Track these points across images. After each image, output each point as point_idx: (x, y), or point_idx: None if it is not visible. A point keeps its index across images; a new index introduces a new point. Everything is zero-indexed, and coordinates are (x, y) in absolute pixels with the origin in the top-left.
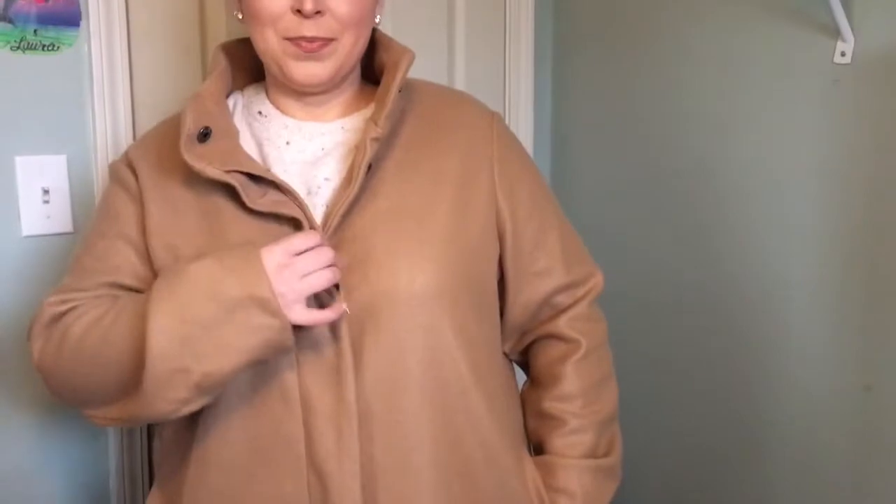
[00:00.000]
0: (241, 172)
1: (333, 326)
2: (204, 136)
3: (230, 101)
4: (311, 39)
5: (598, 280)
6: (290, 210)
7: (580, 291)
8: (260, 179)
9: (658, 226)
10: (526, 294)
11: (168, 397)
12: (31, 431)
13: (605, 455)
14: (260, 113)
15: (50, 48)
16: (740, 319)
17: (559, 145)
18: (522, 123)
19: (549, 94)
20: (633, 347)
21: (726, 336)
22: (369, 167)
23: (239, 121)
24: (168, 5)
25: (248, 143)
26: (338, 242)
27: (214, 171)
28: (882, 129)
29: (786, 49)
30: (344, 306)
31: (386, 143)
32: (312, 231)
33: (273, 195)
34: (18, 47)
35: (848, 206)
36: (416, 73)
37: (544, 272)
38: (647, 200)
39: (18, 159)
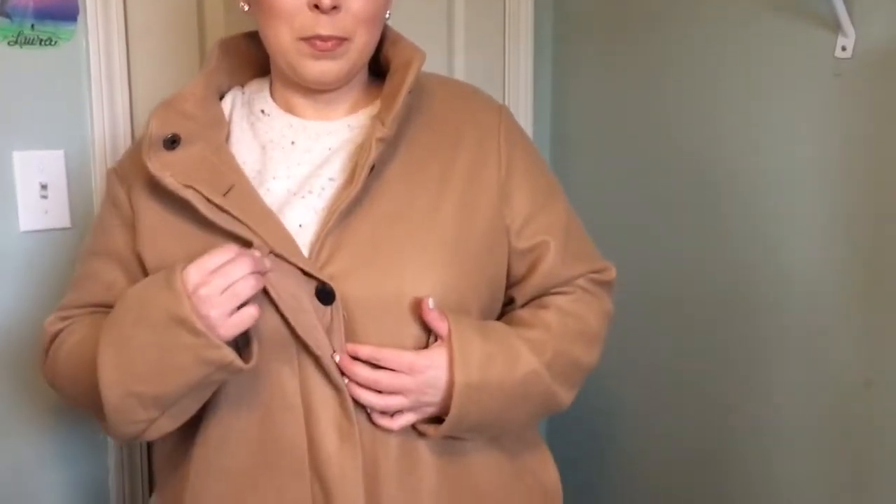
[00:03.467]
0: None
1: (329, 332)
2: (172, 142)
3: (227, 100)
4: (326, 38)
5: (608, 272)
6: (242, 231)
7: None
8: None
9: (658, 222)
10: (526, 291)
11: (129, 419)
12: (30, 427)
13: (552, 377)
14: (262, 111)
15: (47, 43)
16: (740, 314)
17: (558, 142)
18: (521, 121)
19: (548, 93)
20: (634, 342)
21: (727, 331)
22: (373, 168)
23: (238, 120)
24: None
25: (249, 145)
26: (337, 244)
27: (171, 182)
28: (883, 123)
29: (787, 43)
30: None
31: (392, 144)
32: (229, 245)
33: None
34: (16, 42)
35: (849, 200)
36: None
37: (548, 271)
38: (647, 197)
39: (16, 154)
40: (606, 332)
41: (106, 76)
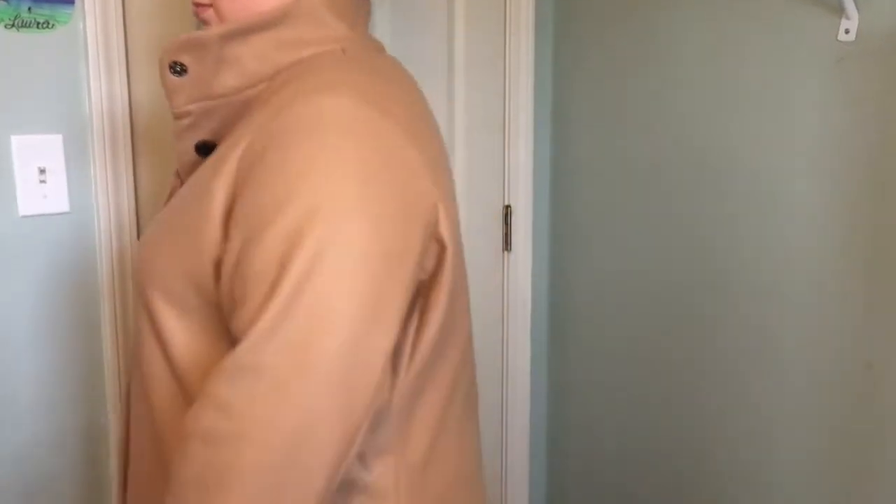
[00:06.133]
0: None
1: None
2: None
3: None
4: (197, 4)
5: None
6: None
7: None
8: None
9: (658, 205)
10: None
11: None
12: (35, 411)
13: None
14: None
15: (44, 26)
16: (741, 299)
17: (559, 122)
18: (522, 113)
19: (549, 68)
20: (631, 321)
21: (728, 315)
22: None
23: None
24: None
25: None
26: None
27: None
28: (886, 107)
29: (789, 26)
30: None
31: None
32: None
33: None
34: (13, 25)
35: (851, 183)
36: (415, 51)
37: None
38: (647, 181)
39: (14, 138)
40: None
41: (104, 59)
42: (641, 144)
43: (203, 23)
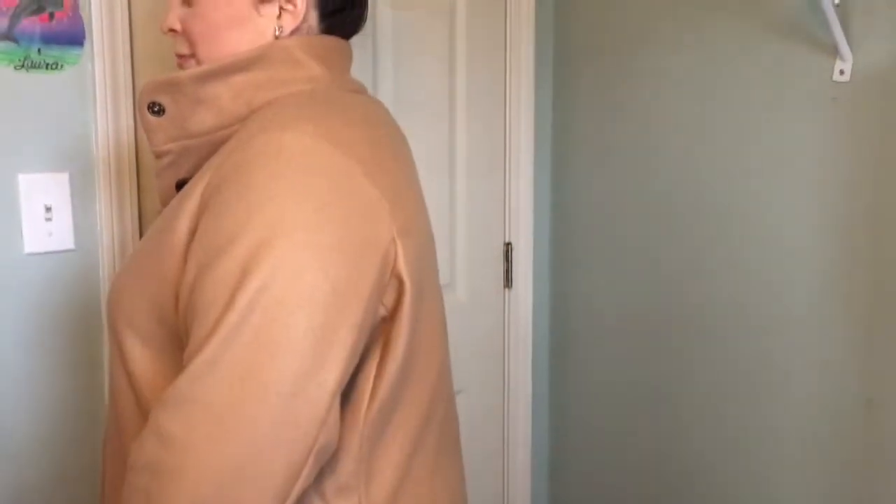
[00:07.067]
0: None
1: None
2: None
3: None
4: (178, 55)
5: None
6: None
7: None
8: None
9: (657, 242)
10: None
11: None
12: (34, 449)
13: None
14: None
15: (53, 67)
16: (742, 333)
17: (559, 162)
18: (523, 144)
19: (549, 110)
20: (632, 358)
21: (728, 350)
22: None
23: None
24: None
25: None
26: None
27: None
28: (881, 146)
29: (785, 67)
30: None
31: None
32: None
33: None
34: (22, 66)
35: (848, 222)
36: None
37: None
38: (646, 218)
39: (21, 177)
40: None
41: (111, 100)
42: (640, 182)
43: None
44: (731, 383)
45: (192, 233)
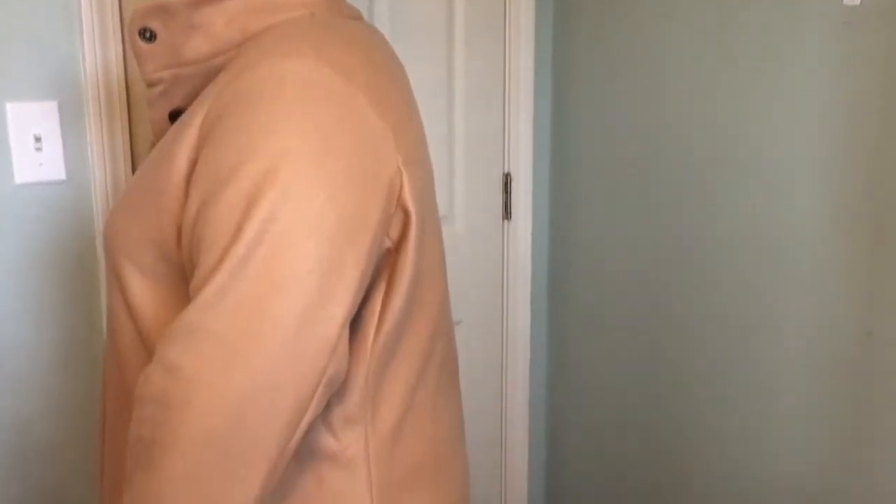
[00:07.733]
0: None
1: None
2: None
3: None
4: None
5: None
6: None
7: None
8: None
9: (657, 174)
10: None
11: None
12: (31, 382)
13: None
14: None
15: None
16: (743, 268)
17: (560, 92)
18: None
19: (549, 39)
20: (630, 290)
21: (728, 283)
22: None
23: None
24: None
25: None
26: None
27: None
28: (892, 72)
29: None
30: None
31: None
32: None
33: None
34: None
35: (855, 151)
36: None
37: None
38: (647, 149)
39: (9, 106)
40: None
41: (98, 25)
42: (642, 113)
43: None
44: (731, 314)
45: (193, 164)
